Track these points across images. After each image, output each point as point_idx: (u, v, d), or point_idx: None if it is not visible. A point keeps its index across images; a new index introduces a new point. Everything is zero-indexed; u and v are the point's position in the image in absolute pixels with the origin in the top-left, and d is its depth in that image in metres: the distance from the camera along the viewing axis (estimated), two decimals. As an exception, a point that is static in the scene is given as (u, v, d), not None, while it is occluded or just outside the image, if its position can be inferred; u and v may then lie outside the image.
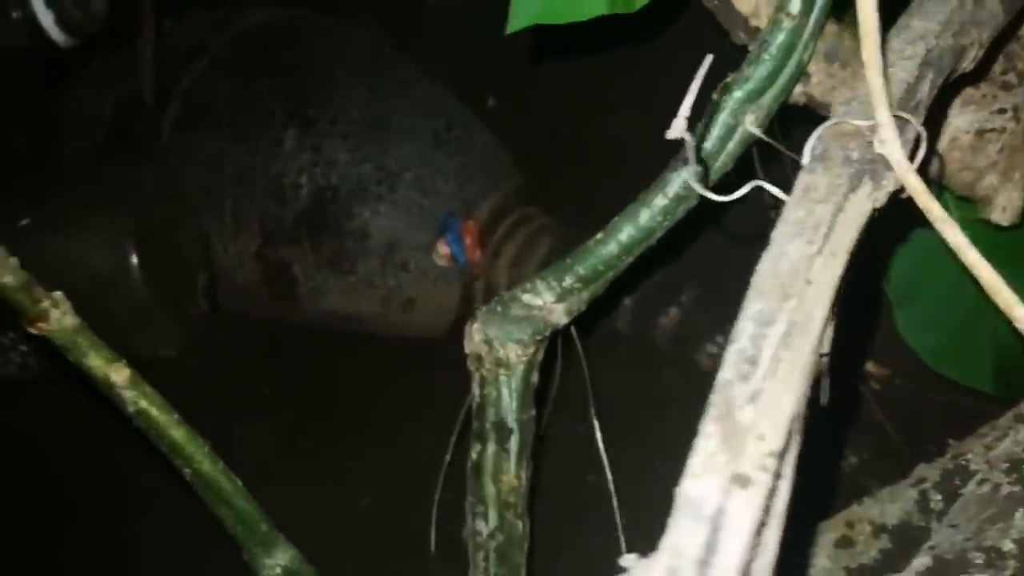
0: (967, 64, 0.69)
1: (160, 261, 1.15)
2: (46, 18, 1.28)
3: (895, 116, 0.57)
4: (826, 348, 0.51)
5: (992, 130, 0.88)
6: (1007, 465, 0.70)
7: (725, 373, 0.44)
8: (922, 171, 0.57)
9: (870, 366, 1.32)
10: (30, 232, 1.10)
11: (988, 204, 0.90)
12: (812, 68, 0.82)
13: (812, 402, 0.49)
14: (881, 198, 0.55)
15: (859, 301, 0.57)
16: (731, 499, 0.40)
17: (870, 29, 0.54)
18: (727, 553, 0.38)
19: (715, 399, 0.44)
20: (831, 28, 0.82)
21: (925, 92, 0.62)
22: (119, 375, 0.62)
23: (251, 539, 0.73)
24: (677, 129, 0.66)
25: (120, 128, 1.48)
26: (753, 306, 0.47)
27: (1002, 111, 0.88)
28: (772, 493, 0.41)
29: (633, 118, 1.57)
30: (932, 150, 0.58)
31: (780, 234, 0.51)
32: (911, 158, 0.58)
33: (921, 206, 0.55)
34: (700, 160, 0.70)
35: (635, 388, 1.37)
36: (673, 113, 1.60)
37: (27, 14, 1.28)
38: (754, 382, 0.44)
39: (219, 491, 0.70)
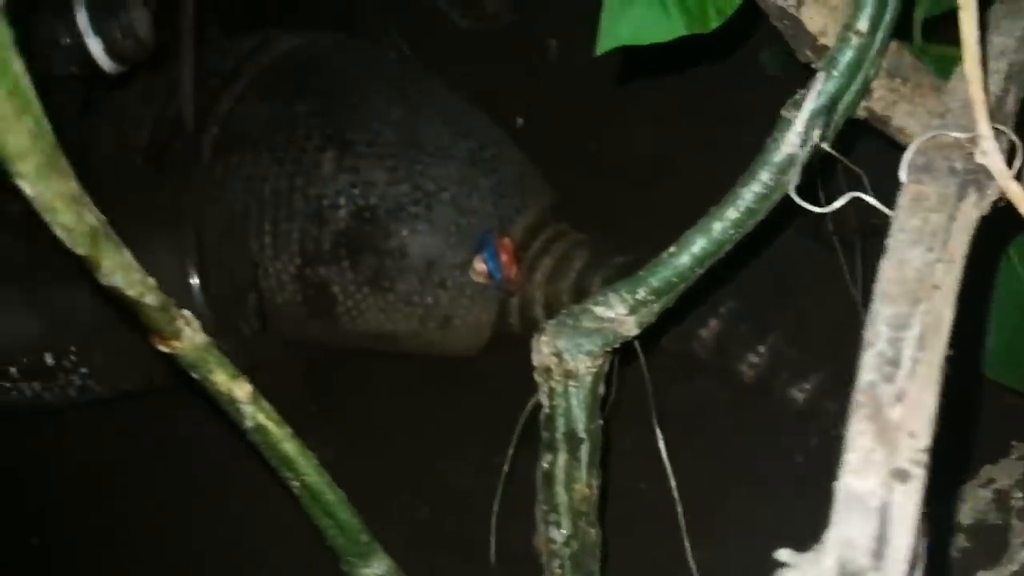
0: (1041, 78, 0.72)
1: (218, 283, 1.17)
2: (95, 46, 1.30)
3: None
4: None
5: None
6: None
7: (867, 375, 0.47)
8: (1018, 179, 0.60)
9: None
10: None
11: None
12: (874, 83, 0.85)
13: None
14: (985, 206, 0.58)
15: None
16: (894, 493, 0.42)
17: (971, 45, 0.56)
18: (897, 544, 0.41)
19: (861, 399, 0.46)
20: (892, 44, 0.84)
21: (1012, 105, 0.65)
22: (242, 391, 0.64)
23: (351, 549, 0.75)
24: (791, 145, 0.68)
25: (160, 152, 1.50)
26: (885, 311, 0.49)
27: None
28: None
29: (659, 135, 1.60)
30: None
31: (898, 242, 0.54)
32: (1008, 167, 0.60)
33: (1023, 212, 0.58)
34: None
35: (677, 399, 1.40)
36: (701, 131, 1.64)
37: (76, 41, 1.30)
38: (898, 382, 0.46)
39: (324, 503, 0.72)
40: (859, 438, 0.44)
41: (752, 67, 1.46)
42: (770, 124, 0.90)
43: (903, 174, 0.61)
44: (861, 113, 0.88)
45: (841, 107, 0.81)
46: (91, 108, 1.56)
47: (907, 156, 0.61)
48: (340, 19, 1.65)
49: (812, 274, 1.37)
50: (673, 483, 1.05)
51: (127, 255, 0.54)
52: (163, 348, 0.59)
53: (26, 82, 0.44)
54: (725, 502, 1.29)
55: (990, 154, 0.57)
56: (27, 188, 0.47)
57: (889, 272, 0.52)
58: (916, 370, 0.47)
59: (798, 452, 1.31)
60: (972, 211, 0.56)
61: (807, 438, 1.30)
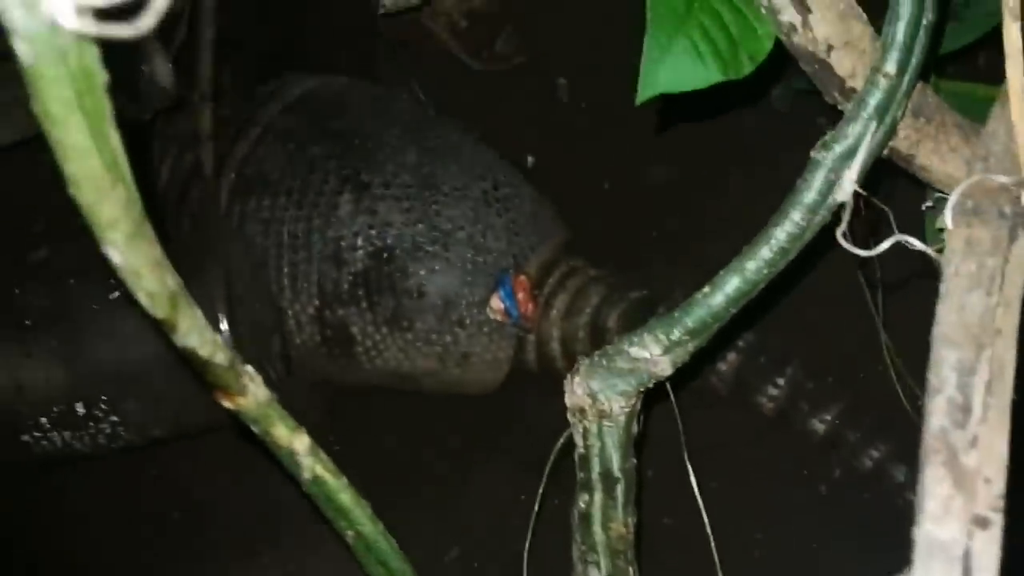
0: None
1: (245, 328, 1.18)
2: (118, 95, 1.32)
3: (1033, 173, 0.62)
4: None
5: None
6: None
7: (938, 420, 0.48)
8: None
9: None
10: (121, 303, 1.13)
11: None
12: (899, 123, 0.87)
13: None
14: (1034, 249, 0.59)
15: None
16: (975, 540, 0.43)
17: (1018, 93, 0.58)
18: (983, 589, 0.42)
19: (934, 444, 0.47)
20: (917, 85, 0.86)
21: (1048, 148, 0.67)
22: (301, 443, 0.65)
23: (404, 596, 0.76)
24: (846, 192, 0.70)
25: (178, 197, 1.51)
26: (950, 356, 0.51)
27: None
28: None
29: (670, 170, 1.62)
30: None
31: (956, 286, 0.55)
32: (1050, 211, 0.62)
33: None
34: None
35: (698, 432, 1.40)
36: (712, 164, 1.65)
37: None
38: (971, 428, 0.47)
39: (378, 551, 0.73)
40: (937, 485, 0.45)
41: (762, 103, 1.49)
42: (779, 159, 0.91)
43: (948, 218, 0.62)
44: (884, 152, 0.89)
45: (870, 148, 0.83)
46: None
47: (953, 200, 0.63)
48: (355, 65, 1.66)
49: (828, 304, 1.39)
50: (706, 518, 1.06)
51: (200, 316, 0.55)
52: (228, 404, 0.60)
53: (122, 153, 0.45)
54: (750, 537, 1.30)
55: (1037, 198, 0.59)
56: (115, 255, 0.48)
57: (950, 316, 0.53)
58: (987, 415, 0.48)
59: (821, 484, 1.32)
60: (1023, 253, 0.58)
61: (830, 469, 1.31)
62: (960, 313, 0.53)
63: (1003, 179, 0.61)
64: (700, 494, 1.35)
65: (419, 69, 1.68)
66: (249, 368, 0.62)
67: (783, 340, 1.37)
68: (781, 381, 1.35)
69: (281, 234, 1.46)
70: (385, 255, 1.44)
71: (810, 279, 1.33)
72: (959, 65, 1.15)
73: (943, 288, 0.56)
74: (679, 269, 1.52)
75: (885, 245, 0.66)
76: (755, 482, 1.33)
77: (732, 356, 1.38)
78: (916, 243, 0.65)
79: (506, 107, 1.68)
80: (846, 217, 0.71)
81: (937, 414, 0.48)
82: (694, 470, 1.37)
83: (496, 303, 1.45)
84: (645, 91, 0.78)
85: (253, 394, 0.61)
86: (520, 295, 1.45)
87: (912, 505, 1.33)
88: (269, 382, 1.23)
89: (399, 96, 1.65)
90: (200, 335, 0.56)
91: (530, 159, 1.69)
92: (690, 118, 1.29)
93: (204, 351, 0.57)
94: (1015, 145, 0.58)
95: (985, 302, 0.53)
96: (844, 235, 0.70)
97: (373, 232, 1.45)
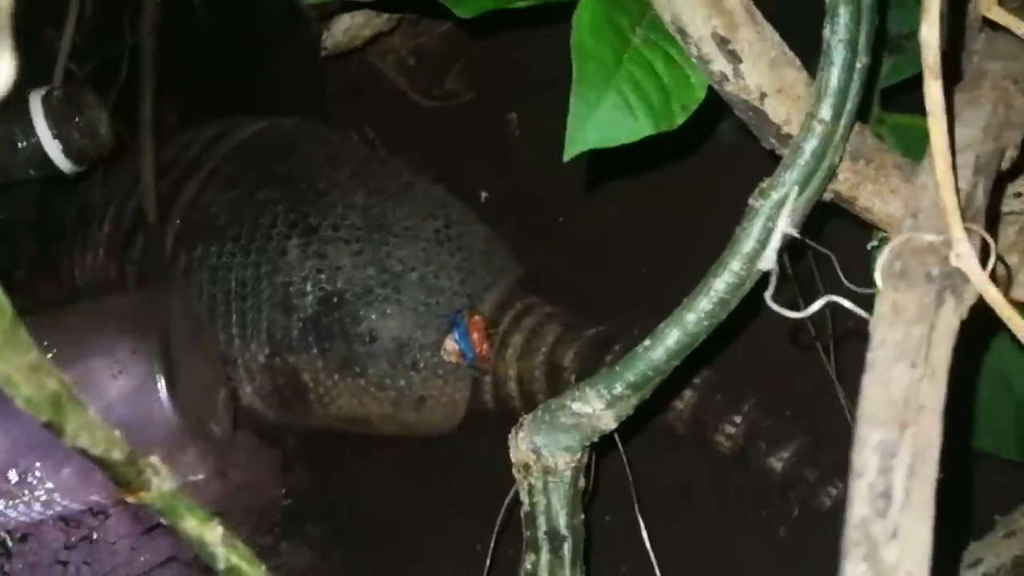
0: (1006, 164, 0.73)
1: (186, 387, 1.15)
2: (53, 148, 1.29)
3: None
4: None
5: (1010, 213, 0.92)
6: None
7: (860, 509, 0.46)
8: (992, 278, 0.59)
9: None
10: (55, 364, 1.10)
11: (1008, 283, 0.93)
12: (839, 167, 0.85)
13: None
14: (964, 312, 0.57)
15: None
16: (895, 640, 0.41)
17: (941, 151, 0.56)
18: None
19: (855, 536, 0.45)
20: (855, 127, 0.85)
21: (981, 199, 0.65)
22: (213, 534, 0.62)
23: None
24: (768, 261, 0.68)
25: (122, 246, 1.48)
26: (873, 436, 0.49)
27: (1018, 195, 0.91)
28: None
29: (622, 205, 1.60)
30: (998, 256, 0.60)
31: (882, 356, 0.53)
32: (983, 267, 0.60)
33: (1002, 316, 0.57)
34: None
35: (656, 474, 1.38)
36: (668, 199, 1.64)
37: (33, 144, 1.29)
38: (892, 517, 0.45)
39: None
40: (857, 581, 0.43)
41: (710, 137, 1.47)
42: (727, 193, 0.90)
43: (879, 279, 0.60)
44: (827, 195, 0.88)
45: (808, 192, 0.81)
46: (51, 206, 1.55)
47: (882, 260, 0.61)
48: (302, 104, 1.64)
49: (784, 340, 1.37)
50: (657, 570, 1.04)
51: (90, 415, 0.53)
52: (132, 499, 0.58)
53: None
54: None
55: (965, 258, 0.57)
56: (-14, 365, 0.45)
57: (874, 392, 0.51)
58: (909, 501, 0.46)
59: (780, 525, 1.30)
60: (952, 318, 0.56)
61: (789, 510, 1.29)
62: (885, 388, 0.51)
63: (931, 237, 0.59)
64: (659, 539, 1.33)
65: (369, 109, 1.66)
66: (153, 460, 0.59)
67: (739, 377, 1.35)
68: (738, 419, 1.33)
69: (229, 281, 1.44)
70: (335, 300, 1.42)
71: (765, 315, 1.32)
72: (903, 97, 1.14)
73: (869, 359, 0.54)
74: (636, 305, 1.50)
75: (815, 307, 0.64)
76: (714, 525, 1.31)
77: (689, 394, 1.36)
78: (847, 304, 0.63)
79: (458, 144, 1.66)
80: (772, 283, 0.69)
81: (859, 502, 0.46)
82: (654, 513, 1.35)
83: (450, 344, 1.43)
84: (572, 147, 0.76)
85: (157, 487, 0.58)
86: (475, 335, 1.43)
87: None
88: (215, 440, 1.21)
89: (348, 137, 1.63)
90: (91, 434, 0.53)
91: (484, 195, 1.67)
92: (625, 171, 1.28)
93: (97, 450, 0.54)
94: (942, 203, 0.57)
95: (910, 375, 0.51)
96: (773, 298, 0.68)
97: (322, 277, 1.42)
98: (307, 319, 1.42)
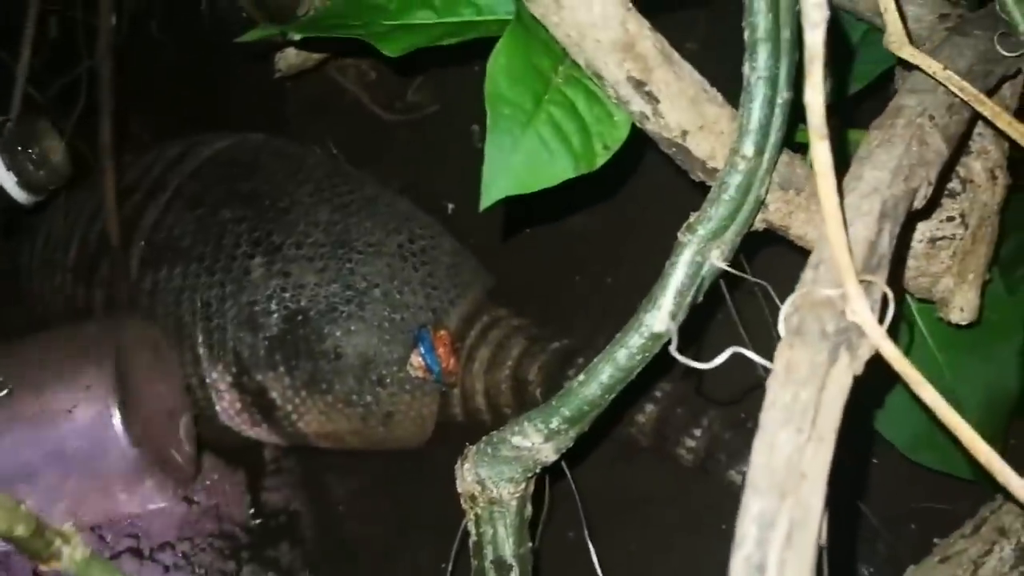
0: (919, 203, 0.73)
1: (144, 415, 1.16)
2: (7, 181, 1.30)
3: (862, 281, 0.61)
4: (823, 536, 0.53)
5: (943, 237, 0.92)
6: (998, 587, 0.73)
7: (736, 580, 0.47)
8: (892, 330, 0.60)
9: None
10: (10, 400, 1.11)
11: (946, 306, 0.94)
12: (769, 197, 0.86)
13: None
14: (859, 367, 0.58)
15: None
16: None
17: (832, 211, 0.57)
18: None
19: (729, 610, 0.46)
20: (783, 158, 0.85)
21: (886, 245, 0.65)
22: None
23: None
24: (662, 323, 0.68)
25: (88, 270, 1.49)
26: (753, 507, 0.49)
27: (951, 219, 0.92)
28: None
29: (595, 214, 1.61)
30: (899, 310, 0.61)
31: (770, 420, 0.54)
32: (881, 320, 0.61)
33: (898, 370, 0.58)
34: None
35: (619, 487, 1.39)
36: (633, 209, 1.63)
37: (-13, 179, 1.30)
38: (765, 590, 0.46)
39: None
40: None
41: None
42: (696, 206, 0.90)
43: (782, 330, 0.61)
44: (760, 225, 0.88)
45: (736, 226, 0.81)
46: (13, 232, 1.56)
47: (783, 313, 0.61)
48: (266, 118, 1.65)
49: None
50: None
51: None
52: (45, 568, 0.59)
53: None
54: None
55: (859, 313, 0.57)
56: None
57: (759, 458, 0.52)
58: (784, 574, 0.47)
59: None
60: (845, 376, 0.56)
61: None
62: (769, 454, 0.52)
63: (828, 292, 0.60)
64: (622, 551, 1.34)
65: (331, 123, 1.66)
66: (64, 528, 0.60)
67: (699, 390, 1.36)
68: (698, 432, 1.34)
69: (194, 301, 1.44)
70: (300, 318, 1.43)
71: (724, 327, 1.33)
72: (846, 113, 1.14)
73: (760, 421, 0.55)
74: (601, 317, 1.51)
75: (720, 359, 0.64)
76: (677, 538, 1.31)
77: (650, 408, 1.37)
78: (753, 356, 0.64)
79: (423, 156, 1.67)
80: (675, 340, 0.69)
81: (736, 572, 0.47)
82: (620, 527, 1.37)
83: (416, 360, 1.43)
84: (488, 197, 0.77)
85: (69, 555, 0.59)
86: (440, 350, 1.44)
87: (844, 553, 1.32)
88: (176, 465, 1.22)
89: (311, 152, 1.63)
90: (-8, 514, 0.54)
91: (450, 207, 1.68)
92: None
93: (1, 528, 0.55)
94: (835, 259, 0.57)
95: (795, 441, 0.52)
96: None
97: (287, 295, 1.43)
98: (273, 337, 1.42)
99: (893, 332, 0.59)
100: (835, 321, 0.58)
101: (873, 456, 1.30)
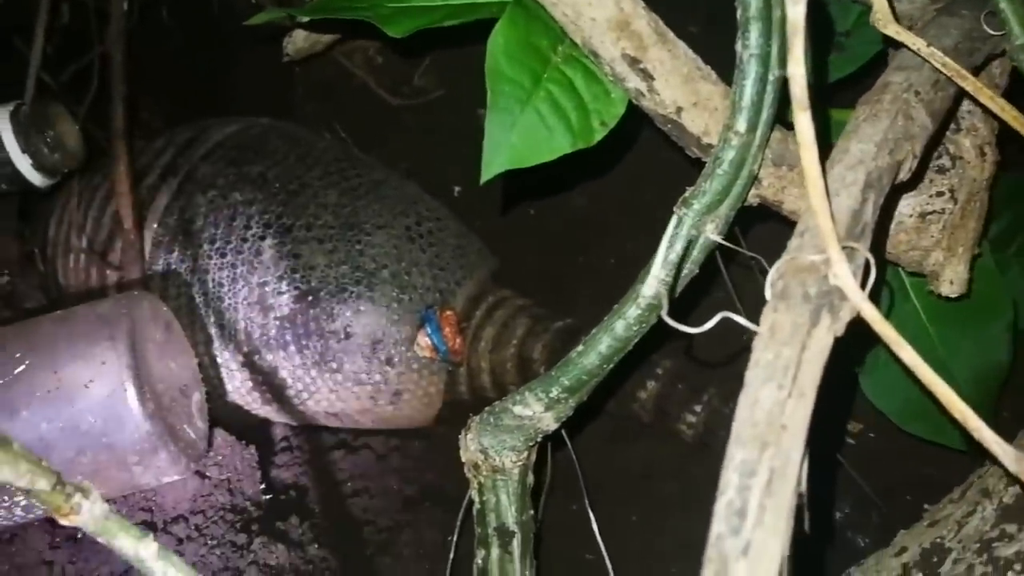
0: (904, 175, 0.75)
1: (158, 390, 1.19)
2: (23, 163, 1.33)
3: (845, 247, 0.63)
4: (803, 484, 0.56)
5: (933, 212, 0.94)
6: (978, 545, 0.75)
7: (717, 526, 0.49)
8: (874, 295, 0.62)
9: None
10: (28, 375, 1.14)
11: (936, 279, 0.96)
12: (762, 173, 0.88)
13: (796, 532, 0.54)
14: (840, 328, 0.60)
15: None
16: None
17: (814, 179, 0.59)
18: None
19: (710, 554, 0.49)
20: (776, 135, 0.87)
21: (869, 214, 0.68)
22: (148, 550, 0.66)
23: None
24: (652, 288, 0.71)
25: (102, 252, 1.52)
26: (736, 456, 0.52)
27: (940, 194, 0.94)
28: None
29: (597, 195, 1.63)
30: (881, 275, 0.63)
31: (753, 377, 0.56)
32: (863, 284, 0.63)
33: (878, 332, 0.60)
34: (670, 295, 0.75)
35: (622, 462, 1.42)
36: (635, 190, 1.66)
37: (2, 160, 1.32)
38: (744, 534, 0.49)
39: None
40: (704, 597, 0.47)
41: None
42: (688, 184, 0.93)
43: (768, 295, 0.63)
44: (753, 200, 0.91)
45: (730, 200, 0.84)
46: (28, 215, 1.59)
47: (769, 278, 0.64)
48: (274, 104, 1.67)
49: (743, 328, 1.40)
50: (606, 557, 1.08)
51: (14, 447, 0.56)
52: (65, 522, 0.61)
53: None
54: (673, 567, 1.31)
55: (841, 277, 0.60)
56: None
57: (743, 412, 0.55)
58: (763, 519, 0.49)
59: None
60: (826, 336, 0.59)
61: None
62: (752, 409, 0.55)
63: (812, 257, 0.62)
64: (626, 526, 1.37)
65: (338, 107, 1.69)
66: (83, 483, 0.63)
67: (698, 366, 1.38)
68: (699, 408, 1.37)
69: (206, 282, 1.47)
70: (310, 298, 1.45)
71: (725, 303, 1.35)
72: (848, 92, 1.16)
73: (745, 379, 0.57)
74: (604, 297, 1.53)
75: (710, 324, 0.67)
76: (677, 511, 1.34)
77: (652, 384, 1.40)
78: (743, 320, 0.66)
79: (430, 140, 1.69)
80: (665, 305, 0.72)
81: (716, 520, 0.50)
82: (621, 501, 1.39)
83: (423, 340, 1.46)
84: (489, 170, 0.79)
85: (88, 511, 0.62)
86: (447, 330, 1.46)
87: (839, 524, 1.34)
88: (189, 441, 1.25)
89: (320, 136, 1.66)
90: (13, 468, 0.57)
91: (456, 189, 1.70)
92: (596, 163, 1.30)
93: (23, 482, 0.58)
94: (818, 226, 0.60)
95: (775, 396, 0.55)
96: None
97: (297, 276, 1.45)
98: (283, 318, 1.45)
99: (875, 297, 0.62)
100: (818, 285, 0.61)
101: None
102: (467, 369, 1.52)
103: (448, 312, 1.48)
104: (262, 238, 1.47)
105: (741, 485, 0.50)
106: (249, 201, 1.50)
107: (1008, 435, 1.02)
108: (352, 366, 1.45)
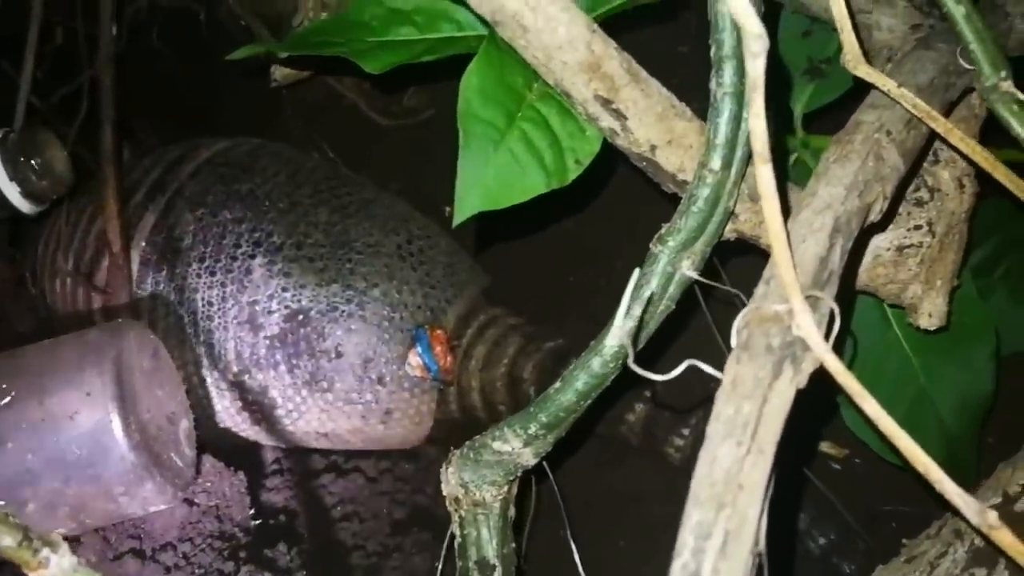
0: (874, 217, 0.75)
1: (144, 420, 1.19)
2: (11, 191, 1.33)
3: (808, 296, 0.63)
4: (762, 542, 0.56)
5: (911, 245, 0.94)
6: (948, 587, 0.76)
7: (672, 588, 0.49)
8: (837, 346, 0.62)
9: (827, 447, 1.37)
10: (14, 406, 1.14)
11: (915, 312, 0.96)
12: (739, 208, 0.88)
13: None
14: (802, 380, 0.60)
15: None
16: None
17: (777, 232, 0.59)
18: None
19: (664, 616, 0.49)
20: (752, 170, 0.87)
21: (836, 260, 0.68)
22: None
23: None
24: (617, 337, 0.71)
25: (88, 275, 1.52)
26: (692, 517, 0.52)
27: (918, 227, 0.94)
28: None
29: (586, 215, 1.63)
30: (846, 325, 0.63)
31: (714, 432, 0.57)
32: (828, 333, 0.63)
33: (841, 383, 0.60)
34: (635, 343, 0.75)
35: (610, 485, 1.42)
36: (626, 211, 1.66)
37: (-8, 188, 1.33)
38: (698, 599, 0.49)
39: None
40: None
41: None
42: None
43: (733, 344, 0.63)
44: (731, 235, 0.91)
45: (705, 237, 0.84)
46: (18, 240, 1.59)
47: (735, 327, 0.64)
48: (264, 125, 1.67)
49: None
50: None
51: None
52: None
53: None
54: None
55: (804, 328, 0.60)
56: None
57: (701, 469, 0.55)
58: (716, 582, 0.49)
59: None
60: (788, 389, 0.59)
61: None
62: (711, 466, 0.55)
63: (776, 307, 0.62)
64: (616, 549, 1.37)
65: (328, 129, 1.69)
66: (51, 536, 0.63)
67: (687, 388, 1.38)
68: (686, 431, 1.37)
69: (195, 301, 1.47)
70: (300, 317, 1.45)
71: (705, 326, 1.35)
72: (828, 119, 1.16)
73: (706, 434, 0.57)
74: (595, 318, 1.53)
75: (676, 372, 0.67)
76: (665, 535, 1.34)
77: (640, 406, 1.40)
78: (708, 368, 0.66)
79: (419, 160, 1.69)
80: (632, 353, 0.72)
81: (672, 581, 0.50)
82: (610, 525, 1.39)
83: (414, 359, 1.46)
84: (461, 213, 0.79)
85: (57, 564, 0.62)
86: (438, 349, 1.46)
87: (823, 550, 1.34)
88: (176, 469, 1.25)
89: (310, 155, 1.66)
90: (-21, 525, 0.57)
91: (447, 209, 1.70)
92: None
93: (-12, 538, 0.58)
94: (780, 276, 0.60)
95: (734, 454, 0.55)
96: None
97: (287, 295, 1.45)
98: (274, 337, 1.45)
99: (839, 345, 0.62)
100: (781, 336, 0.61)
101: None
102: (457, 388, 1.52)
103: (439, 331, 1.48)
104: (252, 256, 1.47)
105: (696, 548, 0.51)
106: (239, 219, 1.50)
107: (992, 461, 1.02)
108: (343, 385, 1.45)
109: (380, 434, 1.50)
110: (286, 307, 1.45)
